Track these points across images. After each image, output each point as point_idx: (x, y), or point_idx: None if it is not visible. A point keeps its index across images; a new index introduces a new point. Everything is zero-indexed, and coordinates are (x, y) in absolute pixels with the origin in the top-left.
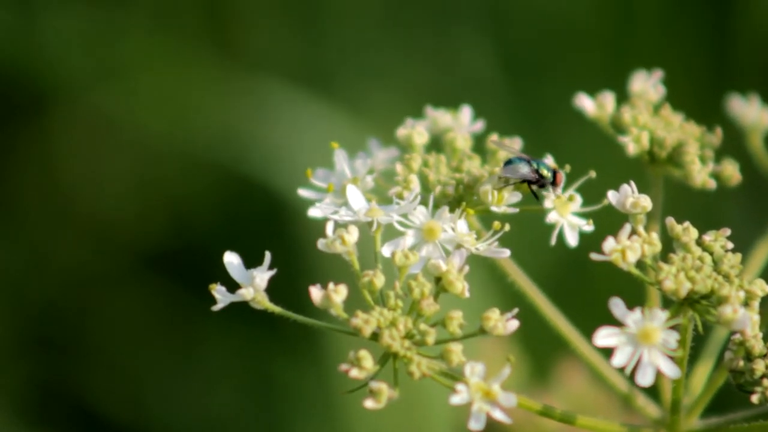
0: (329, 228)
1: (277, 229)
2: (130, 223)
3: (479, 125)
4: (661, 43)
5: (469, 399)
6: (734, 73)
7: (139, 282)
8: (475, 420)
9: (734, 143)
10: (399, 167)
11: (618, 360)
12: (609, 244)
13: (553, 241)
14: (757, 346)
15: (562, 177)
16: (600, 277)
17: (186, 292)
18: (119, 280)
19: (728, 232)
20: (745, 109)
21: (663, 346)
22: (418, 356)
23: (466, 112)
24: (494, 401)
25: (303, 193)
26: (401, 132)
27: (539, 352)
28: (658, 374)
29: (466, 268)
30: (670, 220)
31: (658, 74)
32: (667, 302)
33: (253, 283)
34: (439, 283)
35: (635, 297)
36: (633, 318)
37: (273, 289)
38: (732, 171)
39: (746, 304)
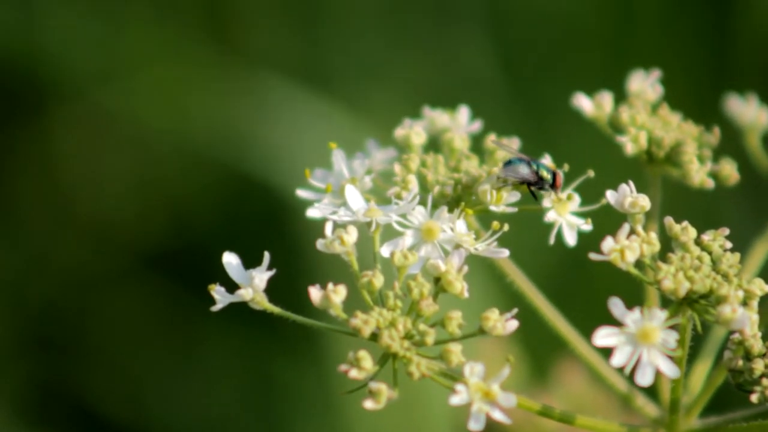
0: (328, 228)
1: (277, 229)
2: (130, 223)
3: (477, 125)
4: (661, 43)
5: (469, 399)
6: (734, 73)
7: (139, 282)
8: (475, 420)
9: (732, 143)
10: (397, 167)
11: (617, 360)
12: (608, 243)
13: (552, 240)
14: (756, 346)
15: (561, 178)
16: (599, 277)
17: (186, 292)
18: (119, 280)
19: (727, 231)
20: (743, 109)
21: (662, 345)
22: (418, 356)
23: (463, 112)
24: (494, 401)
25: (301, 193)
26: (399, 132)
27: (538, 352)
28: (657, 374)
29: (465, 268)
30: (669, 220)
31: (656, 74)
32: (666, 302)
33: (252, 284)
34: (438, 283)
35: (634, 297)
36: (632, 318)
37: (273, 289)
38: (730, 170)
39: (745, 303)
